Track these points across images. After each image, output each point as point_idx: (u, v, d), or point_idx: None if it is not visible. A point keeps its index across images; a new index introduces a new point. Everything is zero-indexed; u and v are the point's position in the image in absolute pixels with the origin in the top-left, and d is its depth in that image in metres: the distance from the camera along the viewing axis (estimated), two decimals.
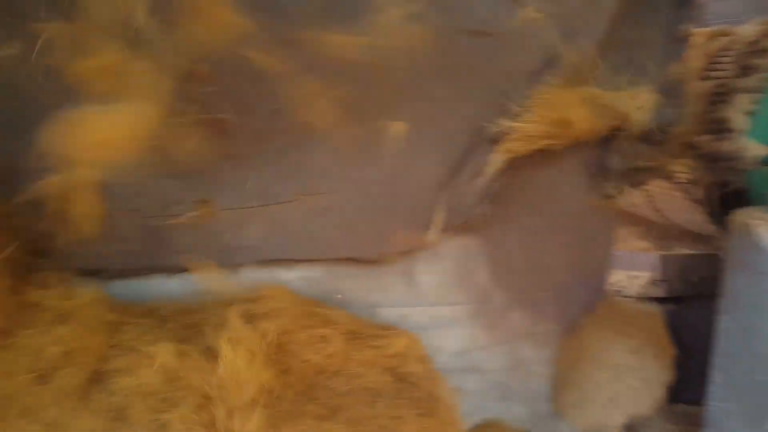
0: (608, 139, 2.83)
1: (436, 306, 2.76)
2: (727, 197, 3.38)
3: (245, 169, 2.72)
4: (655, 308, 3.42)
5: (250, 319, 2.47)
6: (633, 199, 3.89)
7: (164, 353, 2.25)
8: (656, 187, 3.94)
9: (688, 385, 3.08)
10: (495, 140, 2.57)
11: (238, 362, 2.20)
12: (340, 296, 2.79)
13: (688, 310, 3.50)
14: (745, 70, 3.27)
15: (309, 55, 2.27)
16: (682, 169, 3.65)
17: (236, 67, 2.51)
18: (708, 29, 3.63)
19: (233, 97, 2.60)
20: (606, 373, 3.00)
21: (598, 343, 3.05)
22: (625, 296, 3.49)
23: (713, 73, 3.47)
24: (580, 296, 3.16)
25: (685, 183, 3.85)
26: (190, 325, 2.49)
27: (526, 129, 2.52)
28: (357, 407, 2.26)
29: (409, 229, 2.62)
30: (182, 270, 2.77)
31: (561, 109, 2.51)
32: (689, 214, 3.86)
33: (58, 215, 2.66)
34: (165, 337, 2.38)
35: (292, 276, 2.78)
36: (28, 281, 2.43)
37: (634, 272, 3.52)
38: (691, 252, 3.57)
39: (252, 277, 2.80)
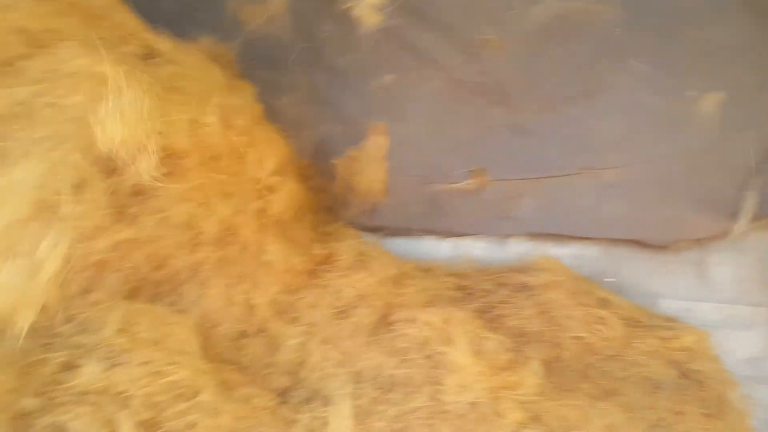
0: None
1: (731, 304, 2.50)
2: None
3: (524, 139, 2.78)
4: None
5: (522, 289, 2.52)
6: None
7: (435, 313, 2.42)
8: None
9: None
10: None
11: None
12: (612, 279, 2.69)
13: None
14: None
15: None
16: None
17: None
18: None
19: (518, 64, 2.67)
20: None
21: None
22: None
23: None
24: None
25: None
26: (461, 287, 2.64)
27: None
28: (634, 394, 2.18)
29: (708, 214, 2.41)
30: (454, 235, 2.95)
31: None
32: None
33: (352, 178, 3.04)
34: (439, 297, 2.56)
35: (564, 253, 2.75)
36: (328, 233, 2.82)
37: None
38: None
39: (520, 250, 2.85)
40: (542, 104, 2.62)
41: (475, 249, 2.91)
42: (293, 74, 2.89)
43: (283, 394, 2.18)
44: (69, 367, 1.91)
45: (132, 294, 2.08)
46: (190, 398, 1.93)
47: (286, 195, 2.48)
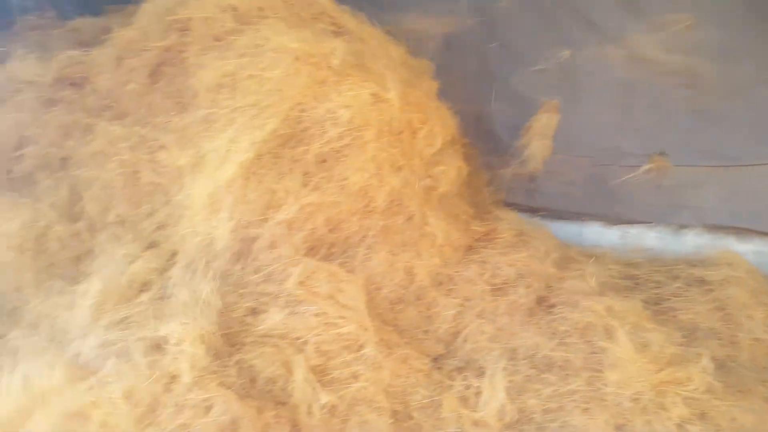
0: None
1: None
2: None
3: (710, 124, 2.61)
4: None
5: (697, 283, 2.40)
6: None
7: (599, 300, 2.39)
8: None
9: None
10: None
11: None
12: None
13: None
14: None
15: None
16: None
17: None
18: None
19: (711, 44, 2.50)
20: None
21: None
22: None
23: None
24: None
25: None
26: (630, 276, 2.57)
27: None
28: None
29: None
30: (623, 222, 2.87)
31: None
32: None
33: (517, 157, 3.07)
34: (604, 284, 2.52)
35: (746, 249, 2.56)
36: (488, 211, 2.88)
37: None
38: None
39: (696, 242, 2.70)
40: (733, 87, 2.44)
41: (647, 238, 2.81)
42: (465, 50, 2.96)
43: (436, 360, 2.31)
44: (255, 312, 2.20)
45: (309, 252, 2.32)
46: (356, 351, 2.12)
47: (452, 171, 2.58)
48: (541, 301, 2.45)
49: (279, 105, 2.10)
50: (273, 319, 2.12)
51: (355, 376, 2.08)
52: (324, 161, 2.24)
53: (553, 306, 2.40)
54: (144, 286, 2.15)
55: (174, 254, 2.25)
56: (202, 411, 1.81)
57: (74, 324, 2.05)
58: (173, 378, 1.88)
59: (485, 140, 3.03)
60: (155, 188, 2.30)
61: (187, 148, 2.20)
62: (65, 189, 2.46)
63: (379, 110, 2.21)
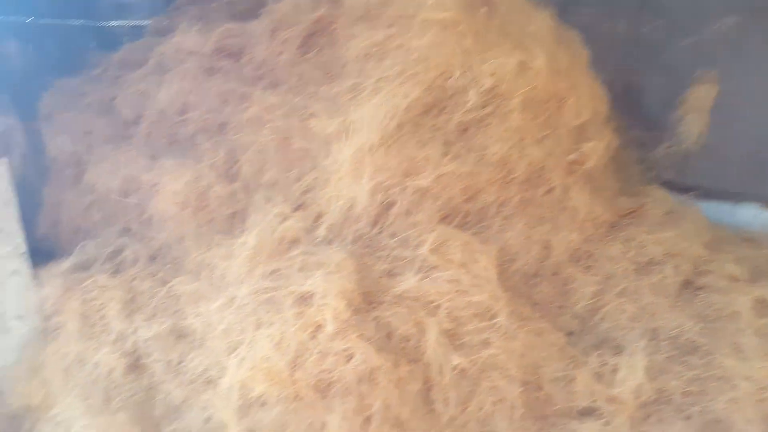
0: None
1: None
2: None
3: None
4: None
5: None
6: None
7: (751, 287, 2.27)
8: None
9: None
10: None
11: None
12: None
13: None
14: None
15: None
16: None
17: None
18: None
19: None
20: None
21: None
22: None
23: None
24: None
25: None
26: None
27: None
28: None
29: None
30: None
31: None
32: None
33: (668, 131, 2.94)
34: (759, 269, 2.39)
35: None
36: (636, 187, 2.80)
37: None
38: None
39: None
40: None
41: None
42: (617, 20, 2.87)
43: (570, 336, 2.32)
44: (390, 274, 2.34)
45: (444, 220, 2.41)
46: (488, 319, 2.20)
47: (599, 144, 2.54)
48: (687, 283, 2.37)
49: (424, 74, 2.19)
50: (408, 282, 2.24)
51: (486, 343, 2.16)
52: (465, 130, 2.30)
53: (700, 288, 2.32)
54: (292, 243, 2.36)
55: (319, 215, 2.44)
56: (343, 359, 1.99)
57: (231, 272, 2.30)
58: (317, 328, 2.07)
59: (636, 113, 2.93)
60: (304, 153, 2.49)
61: (335, 115, 2.35)
62: (223, 152, 2.73)
63: (525, 79, 2.23)
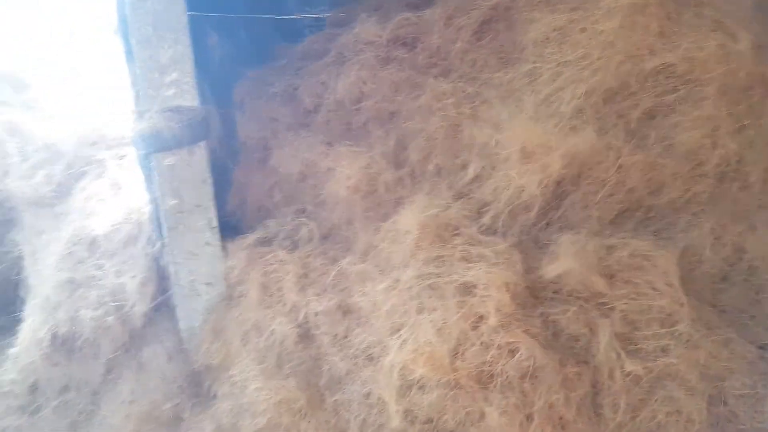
0: None
1: None
2: None
3: None
4: None
5: None
6: None
7: None
8: None
9: None
10: None
11: None
12: None
13: None
14: None
15: None
16: None
17: None
18: None
19: None
20: None
21: None
22: None
23: None
24: None
25: None
26: None
27: None
28: None
29: None
30: None
31: None
32: None
33: None
34: None
35: None
36: None
37: None
38: None
39: None
40: None
41: None
42: None
43: (762, 349, 2.09)
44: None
45: (624, 214, 2.28)
46: (668, 326, 2.04)
47: None
48: None
49: (610, 58, 2.08)
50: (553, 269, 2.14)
51: (664, 351, 2.02)
52: (653, 118, 2.15)
53: None
54: (456, 231, 2.37)
55: (485, 204, 2.43)
56: (506, 353, 1.97)
57: (396, 256, 2.38)
58: (480, 318, 2.06)
59: None
60: (473, 141, 2.49)
61: (509, 102, 2.32)
62: (393, 139, 2.82)
63: (725, 63, 2.02)
